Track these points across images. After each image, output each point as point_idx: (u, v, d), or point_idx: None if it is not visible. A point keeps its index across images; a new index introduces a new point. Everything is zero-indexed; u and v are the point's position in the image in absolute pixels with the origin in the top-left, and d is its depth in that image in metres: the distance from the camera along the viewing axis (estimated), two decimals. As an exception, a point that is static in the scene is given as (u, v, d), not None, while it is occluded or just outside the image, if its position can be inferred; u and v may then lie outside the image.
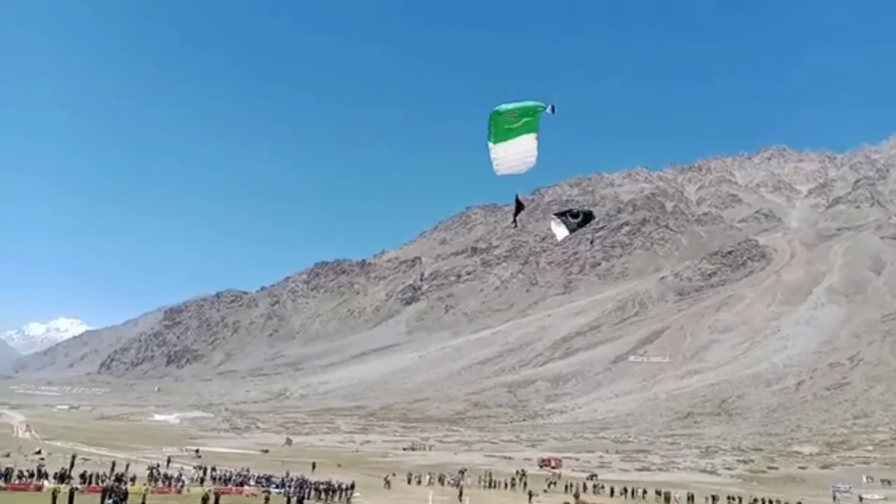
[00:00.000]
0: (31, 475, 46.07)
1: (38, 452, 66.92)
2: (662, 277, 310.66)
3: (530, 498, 58.16)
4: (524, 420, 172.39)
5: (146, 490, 46.13)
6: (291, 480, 56.99)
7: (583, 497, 62.93)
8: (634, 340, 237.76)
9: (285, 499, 47.23)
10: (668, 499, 66.86)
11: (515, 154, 21.11)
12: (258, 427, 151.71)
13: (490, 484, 72.88)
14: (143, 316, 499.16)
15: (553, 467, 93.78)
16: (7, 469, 45.77)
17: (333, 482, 56.63)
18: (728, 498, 68.27)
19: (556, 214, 25.94)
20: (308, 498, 49.60)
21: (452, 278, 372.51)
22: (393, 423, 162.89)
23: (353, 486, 55.67)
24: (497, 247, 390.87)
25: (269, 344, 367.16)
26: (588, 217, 25.26)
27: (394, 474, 70.37)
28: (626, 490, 70.33)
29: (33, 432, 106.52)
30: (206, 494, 42.18)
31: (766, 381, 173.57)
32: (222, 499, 43.08)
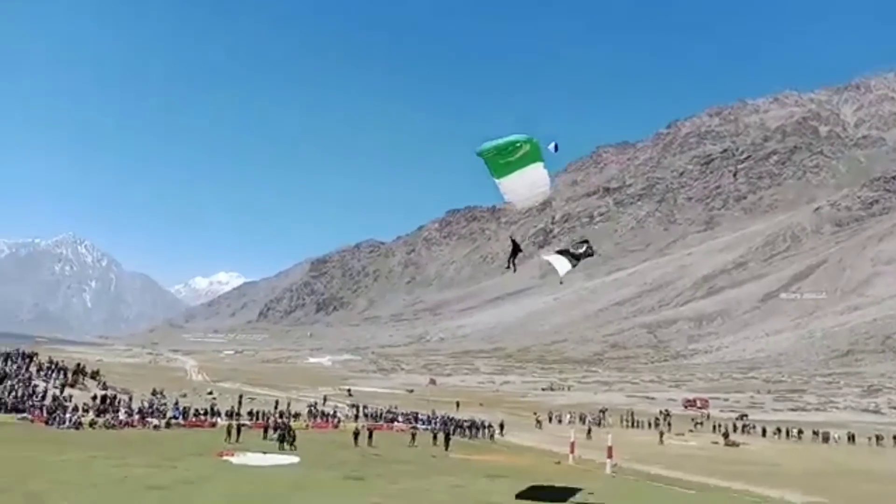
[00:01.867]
0: (206, 413, 50.96)
1: (210, 393, 73.74)
2: (817, 208, 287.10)
3: (661, 437, 57.09)
4: (666, 360, 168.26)
5: (306, 425, 49.93)
6: (437, 418, 59.37)
7: (732, 437, 60.91)
8: (786, 277, 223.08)
9: (432, 435, 49.34)
10: (825, 439, 63.26)
11: (526, 185, 21.63)
12: (402, 368, 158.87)
13: (633, 423, 72.20)
14: (293, 267, 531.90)
15: (700, 408, 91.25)
16: (185, 408, 50.89)
17: (477, 420, 58.41)
18: (894, 438, 63.42)
19: (557, 252, 25.85)
20: (454, 434, 51.47)
21: (585, 220, 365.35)
22: (531, 365, 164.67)
23: (502, 426, 56.99)
24: (630, 185, 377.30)
25: (407, 290, 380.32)
26: (589, 252, 25.29)
27: (535, 413, 71.36)
28: (779, 430, 67.17)
29: (204, 375, 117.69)
30: (357, 429, 44.91)
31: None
32: (377, 434, 45.69)
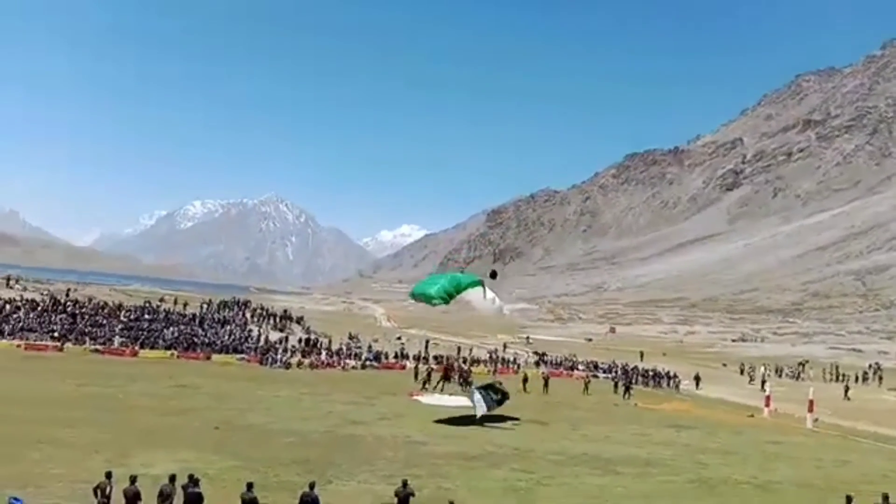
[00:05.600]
0: (396, 356, 54.54)
1: (399, 338, 78.34)
2: None
3: (846, 393, 51.59)
4: (877, 310, 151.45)
5: (488, 371, 51.76)
6: (617, 366, 58.75)
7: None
8: None
9: (613, 383, 48.99)
10: None
11: (483, 301, 29.40)
12: (580, 318, 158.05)
13: (836, 377, 66.49)
14: (469, 219, 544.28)
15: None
16: (377, 351, 54.79)
17: (660, 370, 57.05)
18: None
19: (477, 389, 30.39)
20: (636, 383, 50.72)
21: (781, 158, 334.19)
22: (718, 315, 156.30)
23: (698, 378, 54.56)
24: (836, 117, 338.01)
25: (583, 239, 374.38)
26: (504, 398, 30.97)
27: (724, 364, 68.12)
28: None
29: (392, 321, 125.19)
30: (526, 375, 45.86)
31: None
32: (553, 380, 46.32)
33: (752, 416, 39.73)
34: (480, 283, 30.52)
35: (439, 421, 29.83)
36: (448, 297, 29.27)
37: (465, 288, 29.84)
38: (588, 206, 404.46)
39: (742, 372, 66.24)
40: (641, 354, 72.97)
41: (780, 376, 64.74)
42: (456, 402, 35.98)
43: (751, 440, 31.17)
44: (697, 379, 54.41)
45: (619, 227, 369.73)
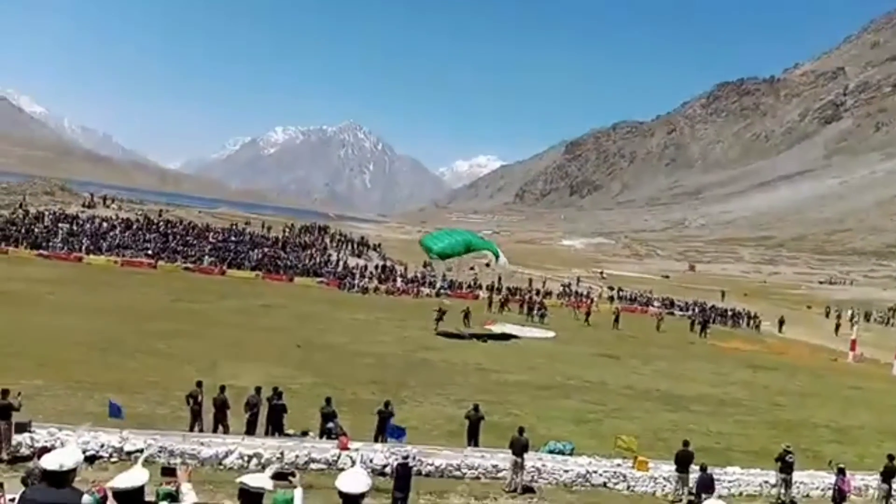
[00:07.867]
0: (470, 286, 55.16)
1: (472, 268, 78.83)
2: None
3: None
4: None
5: (561, 304, 51.78)
6: (694, 305, 57.54)
7: None
8: None
9: (689, 321, 48.17)
10: None
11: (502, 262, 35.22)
12: (658, 254, 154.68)
13: (931, 325, 63.14)
14: (547, 150, 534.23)
15: None
16: (451, 281, 55.49)
17: (740, 310, 55.62)
18: None
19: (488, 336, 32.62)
20: (713, 322, 49.68)
21: (887, 89, 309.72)
22: (805, 255, 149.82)
23: (782, 321, 52.23)
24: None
25: (665, 174, 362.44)
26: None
27: (809, 307, 65.68)
28: None
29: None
30: (589, 309, 45.64)
31: None
32: (625, 316, 45.90)
33: (836, 360, 38.50)
34: (493, 249, 35.21)
35: (441, 333, 30.86)
36: (443, 257, 32.99)
37: (475, 251, 33.90)
38: (673, 139, 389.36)
39: (827, 315, 63.70)
40: (723, 294, 70.77)
41: (868, 321, 61.98)
42: (529, 332, 36.35)
43: (832, 384, 30.31)
44: (781, 322, 52.28)
45: (706, 161, 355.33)
